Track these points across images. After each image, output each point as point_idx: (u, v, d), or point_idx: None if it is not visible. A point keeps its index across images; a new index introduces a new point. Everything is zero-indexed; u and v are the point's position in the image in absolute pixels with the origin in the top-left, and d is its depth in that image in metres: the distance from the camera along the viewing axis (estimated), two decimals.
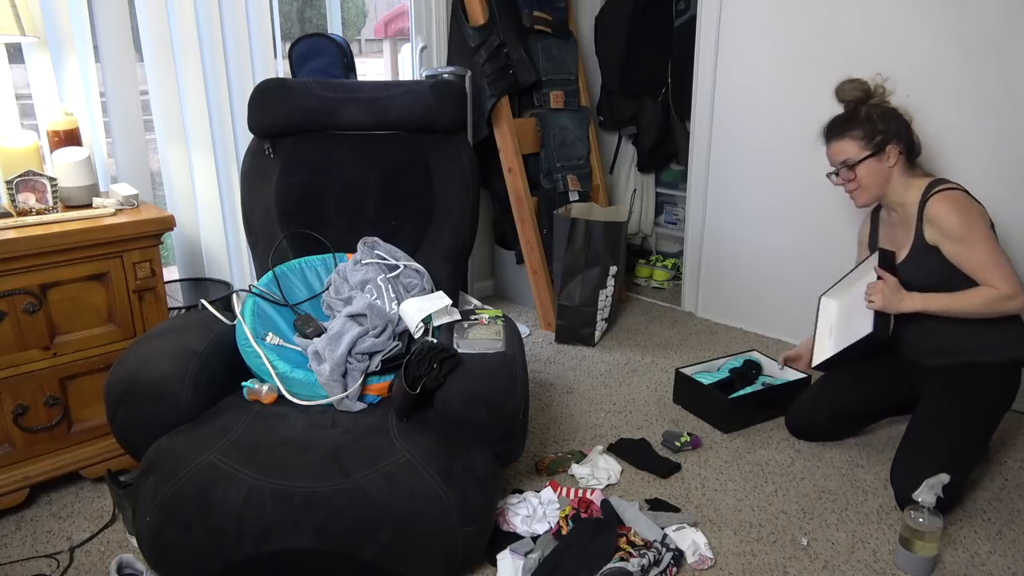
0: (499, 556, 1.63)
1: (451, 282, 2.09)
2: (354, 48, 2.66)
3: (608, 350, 2.88)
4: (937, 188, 1.88)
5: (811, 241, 2.80)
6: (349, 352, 1.67)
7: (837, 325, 2.12)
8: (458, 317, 1.87)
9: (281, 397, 1.70)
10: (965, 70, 2.29)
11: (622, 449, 2.14)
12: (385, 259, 1.95)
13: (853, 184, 1.97)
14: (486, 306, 2.02)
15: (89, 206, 1.91)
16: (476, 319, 1.87)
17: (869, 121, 1.93)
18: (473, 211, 2.14)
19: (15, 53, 2.01)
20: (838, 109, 2.05)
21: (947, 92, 2.34)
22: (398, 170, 2.10)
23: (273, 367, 1.68)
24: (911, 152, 1.97)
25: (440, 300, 1.84)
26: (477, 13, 2.89)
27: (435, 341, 1.74)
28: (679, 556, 1.67)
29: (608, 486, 1.98)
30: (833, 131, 1.99)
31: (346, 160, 2.09)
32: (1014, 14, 2.17)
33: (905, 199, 1.95)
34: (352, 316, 1.75)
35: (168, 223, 1.90)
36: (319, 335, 1.75)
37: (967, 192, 1.89)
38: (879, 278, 1.92)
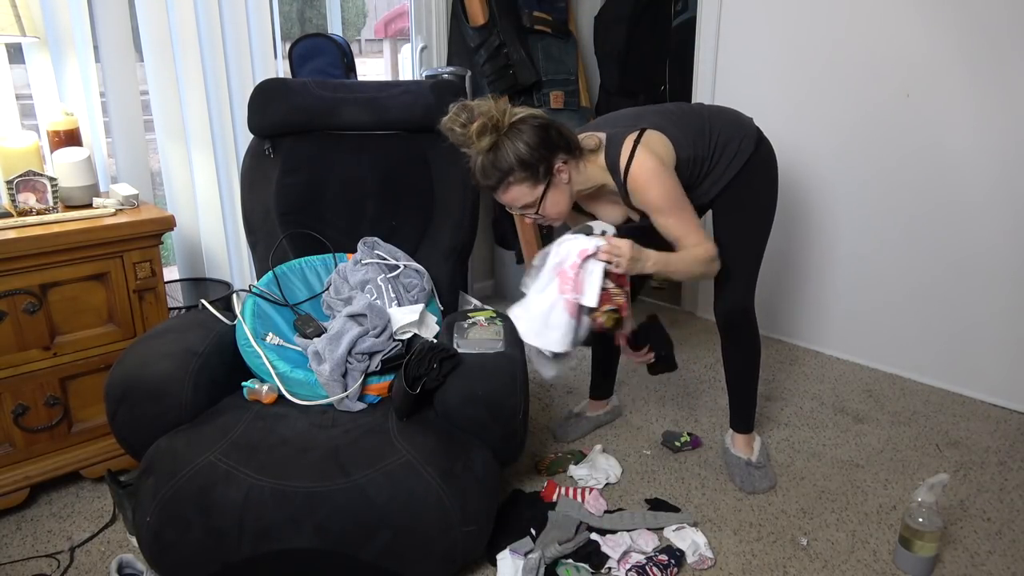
0: (499, 556, 1.64)
1: (451, 282, 2.09)
2: (354, 48, 2.66)
3: None
4: (625, 154, 1.66)
5: (811, 241, 2.80)
6: (349, 352, 1.67)
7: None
8: (436, 329, 1.84)
9: (281, 397, 1.70)
10: (965, 70, 2.29)
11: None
12: (385, 259, 1.95)
13: (545, 220, 1.72)
14: (485, 306, 2.02)
15: (89, 206, 1.91)
16: (475, 319, 1.87)
17: (521, 158, 1.57)
18: (473, 211, 2.14)
19: (15, 53, 2.01)
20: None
21: (947, 92, 2.35)
22: (398, 170, 2.10)
23: (273, 367, 1.68)
24: (573, 149, 1.66)
25: (411, 314, 1.80)
26: (477, 13, 2.89)
27: (435, 341, 1.74)
28: (679, 556, 1.67)
29: (608, 486, 1.98)
30: (493, 185, 1.62)
31: (346, 160, 2.09)
32: (1014, 14, 2.17)
33: (599, 180, 1.73)
34: (352, 316, 1.75)
35: (168, 223, 1.90)
36: (319, 335, 1.75)
37: (647, 143, 1.67)
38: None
